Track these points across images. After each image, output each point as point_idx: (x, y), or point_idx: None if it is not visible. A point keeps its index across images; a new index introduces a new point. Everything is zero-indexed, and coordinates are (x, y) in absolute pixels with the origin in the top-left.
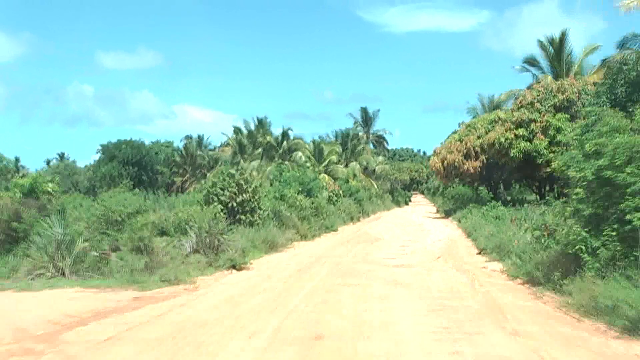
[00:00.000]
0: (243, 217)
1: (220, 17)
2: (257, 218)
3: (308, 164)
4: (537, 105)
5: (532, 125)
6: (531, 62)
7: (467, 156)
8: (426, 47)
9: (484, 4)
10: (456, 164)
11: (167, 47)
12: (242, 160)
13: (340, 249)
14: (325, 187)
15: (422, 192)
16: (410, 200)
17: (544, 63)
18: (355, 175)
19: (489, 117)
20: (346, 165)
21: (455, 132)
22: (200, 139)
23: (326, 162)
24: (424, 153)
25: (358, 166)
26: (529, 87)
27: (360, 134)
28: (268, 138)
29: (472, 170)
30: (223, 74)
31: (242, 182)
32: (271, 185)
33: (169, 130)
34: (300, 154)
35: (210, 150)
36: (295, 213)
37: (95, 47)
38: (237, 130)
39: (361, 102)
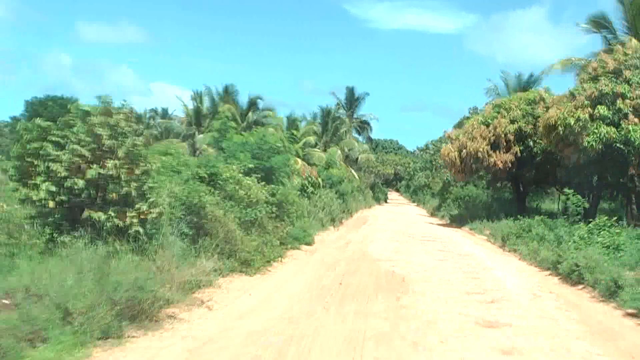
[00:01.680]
0: (98, 217)
1: (206, 2)
2: (135, 223)
3: (279, 144)
4: (627, 73)
5: (619, 103)
6: (599, 22)
7: (495, 145)
8: (410, 46)
9: (472, 8)
10: (480, 154)
11: (150, 23)
12: (197, 133)
13: (321, 326)
14: (298, 172)
15: (398, 190)
16: (387, 198)
17: (618, 23)
18: (335, 163)
19: (527, 96)
20: (325, 150)
21: (477, 113)
22: (164, 111)
23: (302, 143)
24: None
25: (339, 152)
26: (606, 52)
27: (343, 117)
28: (230, 108)
29: (500, 165)
30: (205, 57)
31: (105, 132)
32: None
33: (141, 108)
34: (271, 129)
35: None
36: (236, 213)
37: (77, 17)
38: (195, 97)
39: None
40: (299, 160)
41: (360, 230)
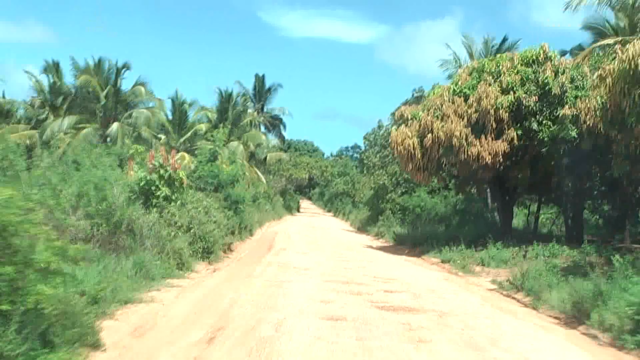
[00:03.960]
0: None
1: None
2: None
3: (161, 135)
4: None
5: None
6: None
7: (478, 128)
8: (322, 54)
9: (383, 19)
10: (455, 141)
11: (59, 23)
12: (51, 116)
13: None
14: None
15: (310, 198)
16: (300, 207)
17: None
18: (234, 162)
19: (524, 55)
20: (225, 144)
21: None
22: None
23: (190, 134)
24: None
25: (242, 148)
26: None
27: (250, 110)
28: (91, 81)
29: (487, 159)
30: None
31: None
32: None
33: None
34: (145, 112)
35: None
36: None
37: None
38: (51, 68)
39: None
40: (186, 155)
41: (258, 269)
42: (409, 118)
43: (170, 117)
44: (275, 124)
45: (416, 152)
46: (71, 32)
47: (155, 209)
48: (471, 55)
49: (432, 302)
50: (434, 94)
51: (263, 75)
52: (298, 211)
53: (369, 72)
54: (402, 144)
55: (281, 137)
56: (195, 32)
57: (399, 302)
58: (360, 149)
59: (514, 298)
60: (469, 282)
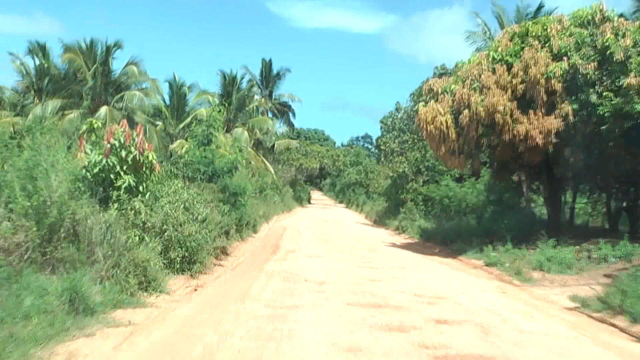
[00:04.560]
0: None
1: None
2: None
3: (158, 122)
4: None
5: None
6: None
7: (525, 102)
8: (331, 45)
9: (391, 8)
10: (499, 118)
11: (65, 15)
12: (36, 99)
13: None
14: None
15: (321, 189)
16: (311, 198)
17: None
18: (240, 150)
19: (578, 14)
20: (228, 131)
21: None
22: None
23: (190, 119)
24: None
25: (247, 134)
26: None
27: (257, 97)
28: (76, 60)
29: (538, 139)
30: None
31: None
32: None
33: None
34: (138, 94)
35: None
36: None
37: None
38: (36, 50)
39: None
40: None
41: (256, 284)
42: (440, 92)
43: (168, 103)
44: (284, 111)
45: (450, 132)
46: (77, 24)
47: (115, 205)
48: (502, 25)
49: (511, 341)
50: (469, 63)
51: (270, 60)
52: (309, 203)
53: (379, 62)
54: (433, 123)
55: (290, 125)
56: (202, 24)
57: (464, 344)
58: (371, 139)
59: (612, 325)
60: (533, 295)
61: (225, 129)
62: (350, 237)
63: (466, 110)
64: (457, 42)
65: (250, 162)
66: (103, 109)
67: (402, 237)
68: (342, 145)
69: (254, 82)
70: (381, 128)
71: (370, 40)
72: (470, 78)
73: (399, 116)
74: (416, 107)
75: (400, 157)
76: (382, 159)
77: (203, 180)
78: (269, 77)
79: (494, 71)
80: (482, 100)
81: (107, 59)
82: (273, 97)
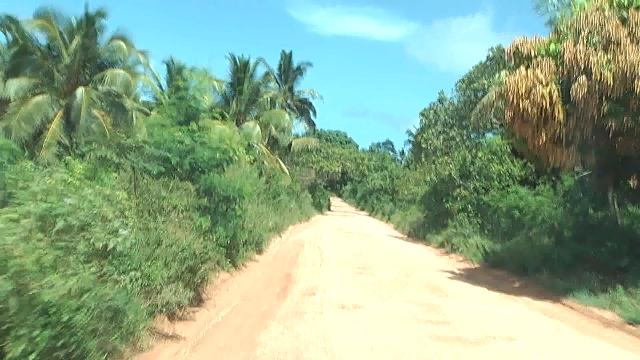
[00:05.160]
0: None
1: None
2: None
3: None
4: None
5: None
6: None
7: None
8: (352, 52)
9: (413, 16)
10: (638, 87)
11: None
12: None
13: None
14: None
15: (340, 195)
16: (331, 205)
17: None
18: (250, 147)
19: None
20: (237, 124)
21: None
22: None
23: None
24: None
25: (259, 129)
26: None
27: (275, 91)
28: (49, 29)
29: None
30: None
31: None
32: None
33: None
34: (122, 73)
35: None
36: None
37: None
38: (6, 24)
39: None
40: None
41: None
42: (534, 55)
43: (165, 89)
44: (303, 108)
45: (556, 110)
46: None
47: None
48: None
49: None
50: (581, 9)
51: (290, 53)
52: (329, 210)
53: (399, 70)
54: (529, 97)
55: (311, 124)
56: (221, 28)
57: None
58: (392, 145)
59: None
60: None
61: (235, 120)
62: (390, 260)
63: (582, 77)
64: (478, 51)
65: (263, 163)
66: (79, 91)
67: (454, 259)
68: (363, 150)
69: (272, 75)
70: (421, 122)
71: (391, 47)
72: (586, 31)
73: (442, 107)
74: (485, 88)
75: (446, 157)
76: (423, 159)
77: (173, 176)
78: (288, 72)
79: (623, 20)
80: (608, 62)
81: (88, 31)
82: (293, 93)
